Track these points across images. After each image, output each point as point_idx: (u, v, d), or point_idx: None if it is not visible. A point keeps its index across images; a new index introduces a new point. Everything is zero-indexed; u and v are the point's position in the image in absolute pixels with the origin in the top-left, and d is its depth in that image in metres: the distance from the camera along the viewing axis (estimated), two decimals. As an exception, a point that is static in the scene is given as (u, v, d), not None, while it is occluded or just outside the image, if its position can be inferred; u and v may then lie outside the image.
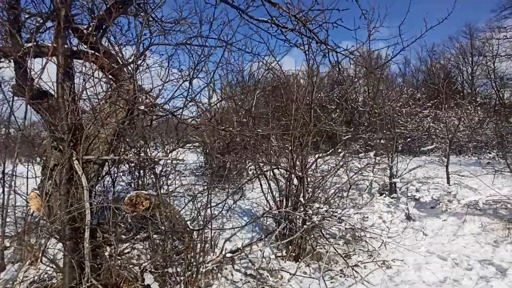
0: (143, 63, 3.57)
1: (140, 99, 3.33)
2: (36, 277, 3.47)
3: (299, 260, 4.13)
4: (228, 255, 3.37)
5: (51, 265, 3.34)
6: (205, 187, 3.89)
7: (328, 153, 4.76)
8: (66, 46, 2.89)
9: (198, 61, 3.13)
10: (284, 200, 4.46)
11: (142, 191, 3.60)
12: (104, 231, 3.58)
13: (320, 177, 4.57)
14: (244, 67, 11.51)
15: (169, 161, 3.36)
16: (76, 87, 3.15)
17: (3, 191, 3.80)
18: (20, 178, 4.17)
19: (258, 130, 4.16)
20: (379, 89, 11.65)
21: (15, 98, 3.29)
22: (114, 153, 3.37)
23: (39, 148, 3.09)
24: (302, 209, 4.12)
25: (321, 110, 13.37)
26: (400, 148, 9.74)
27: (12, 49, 2.53)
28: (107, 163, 3.69)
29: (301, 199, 4.12)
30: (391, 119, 9.15)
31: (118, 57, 3.68)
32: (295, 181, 4.43)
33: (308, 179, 4.54)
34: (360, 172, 5.78)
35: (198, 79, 3.51)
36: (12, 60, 2.84)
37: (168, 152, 3.48)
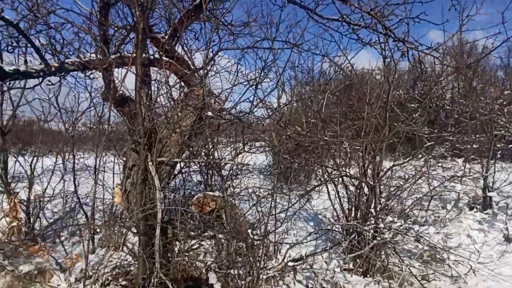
0: (212, 68, 3.69)
1: (209, 103, 3.43)
2: (118, 263, 3.89)
3: (368, 275, 3.80)
4: (290, 263, 3.26)
5: (130, 254, 3.71)
6: (270, 191, 3.83)
7: (406, 160, 4.23)
8: (144, 55, 3.12)
9: (265, 65, 3.07)
10: (353, 209, 4.15)
11: (209, 193, 3.73)
12: (174, 227, 3.81)
13: (395, 187, 4.11)
14: (314, 67, 11.15)
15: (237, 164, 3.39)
16: (153, 93, 3.41)
17: (95, 185, 4.36)
18: (109, 173, 4.74)
19: (326, 137, 3.92)
20: (472, 87, 10.06)
21: (104, 103, 3.73)
22: (184, 156, 3.56)
23: (122, 148, 3.41)
24: (372, 222, 3.77)
25: (400, 109, 12.18)
26: (499, 155, 8.25)
27: (100, 61, 2.82)
28: (178, 164, 3.93)
29: (372, 210, 3.77)
30: (489, 119, 7.82)
31: (189, 63, 3.86)
32: (366, 189, 4.08)
33: (381, 188, 4.14)
34: (446, 182, 5.05)
35: (268, 81, 3.46)
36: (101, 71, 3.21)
37: (234, 155, 3.52)
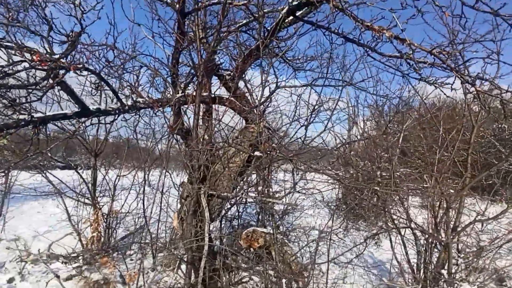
0: (270, 104, 3.76)
1: (263, 140, 3.48)
2: (172, 284, 4.09)
3: None
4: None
5: (183, 278, 3.87)
6: (322, 234, 3.60)
7: (498, 214, 3.47)
8: (205, 94, 3.37)
9: (315, 106, 2.99)
10: (423, 267, 3.59)
11: (258, 228, 3.70)
12: (226, 257, 3.86)
13: (478, 246, 3.45)
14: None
15: (284, 204, 3.31)
16: (212, 128, 3.62)
17: (160, 207, 4.74)
18: (173, 197, 5.10)
19: (384, 175, 3.56)
20: None
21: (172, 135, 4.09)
22: (236, 190, 3.64)
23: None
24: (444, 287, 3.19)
25: (501, 145, 10.34)
26: None
27: (166, 100, 3.14)
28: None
29: (444, 272, 3.20)
30: None
31: (249, 99, 4.01)
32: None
33: (459, 246, 3.51)
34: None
35: (321, 120, 3.36)
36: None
37: (286, 194, 3.44)
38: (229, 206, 4.38)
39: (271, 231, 3.65)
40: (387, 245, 5.51)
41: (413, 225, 3.43)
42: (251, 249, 3.61)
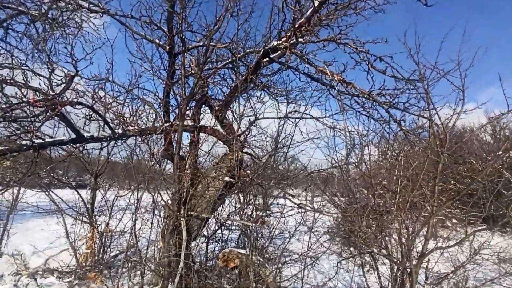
0: (249, 134, 4.13)
1: (242, 166, 3.82)
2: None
3: None
4: None
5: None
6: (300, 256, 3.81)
7: (458, 241, 3.60)
8: (190, 123, 3.77)
9: (277, 137, 3.33)
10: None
11: (235, 249, 3.94)
12: (206, 278, 4.08)
13: (439, 274, 3.59)
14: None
15: (240, 225, 3.57)
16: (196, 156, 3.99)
17: (151, 228, 5.02)
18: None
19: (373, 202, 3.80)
20: None
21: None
22: (218, 212, 3.94)
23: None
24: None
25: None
26: None
27: (156, 128, 3.55)
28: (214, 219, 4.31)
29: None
30: None
31: (233, 128, 4.39)
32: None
33: (426, 273, 3.66)
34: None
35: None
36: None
37: (259, 217, 3.71)
38: (216, 228, 4.66)
39: (248, 252, 3.88)
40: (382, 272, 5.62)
41: (376, 250, 3.62)
42: (227, 269, 3.83)
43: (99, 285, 4.33)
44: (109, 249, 5.54)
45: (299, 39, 2.71)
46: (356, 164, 4.79)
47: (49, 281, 4.78)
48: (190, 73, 4.23)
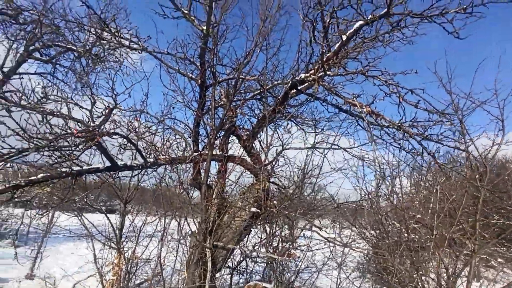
0: (276, 164, 4.12)
1: (269, 196, 3.78)
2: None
3: None
4: None
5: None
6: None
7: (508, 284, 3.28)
8: (218, 153, 3.84)
9: (305, 169, 3.28)
10: None
11: (260, 283, 3.81)
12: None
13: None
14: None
15: (266, 257, 3.46)
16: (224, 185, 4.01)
17: (176, 256, 5.01)
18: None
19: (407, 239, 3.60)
20: None
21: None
22: (243, 243, 3.87)
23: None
24: None
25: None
26: None
27: (185, 158, 3.65)
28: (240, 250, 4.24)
29: None
30: None
31: (260, 157, 4.41)
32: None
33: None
34: None
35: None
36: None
37: (285, 251, 3.61)
38: (241, 259, 4.57)
39: (274, 287, 3.74)
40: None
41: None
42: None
43: (123, 314, 4.30)
44: (134, 277, 5.56)
45: (327, 72, 2.75)
46: (387, 196, 4.60)
47: (76, 307, 4.83)
48: (219, 104, 4.38)
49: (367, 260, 7.66)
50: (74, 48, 7.30)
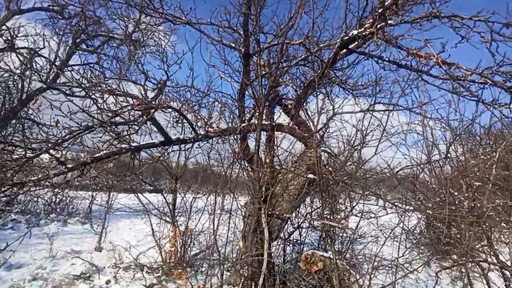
0: (327, 130, 3.96)
1: (322, 165, 3.67)
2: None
3: None
4: None
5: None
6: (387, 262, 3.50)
7: None
8: (266, 122, 3.77)
9: (368, 128, 3.08)
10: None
11: (318, 252, 3.77)
12: (285, 278, 4.00)
13: None
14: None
15: (343, 228, 3.37)
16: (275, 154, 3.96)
17: (228, 228, 5.14)
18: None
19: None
20: None
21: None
22: (295, 212, 3.83)
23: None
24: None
25: None
26: None
27: (233, 129, 3.63)
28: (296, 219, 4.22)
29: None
30: None
31: (309, 126, 4.27)
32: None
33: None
34: None
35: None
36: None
37: (342, 218, 3.51)
38: (292, 229, 4.57)
39: (331, 256, 3.69)
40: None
41: (495, 261, 3.11)
42: (309, 272, 3.69)
43: (185, 282, 4.55)
44: (189, 248, 5.84)
45: (389, 22, 2.49)
46: (451, 160, 4.26)
47: (140, 275, 5.21)
48: (263, 74, 4.25)
49: (427, 230, 7.35)
50: (116, 36, 7.52)
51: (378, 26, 2.50)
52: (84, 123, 2.68)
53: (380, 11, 2.42)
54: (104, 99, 2.92)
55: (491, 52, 2.04)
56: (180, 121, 3.39)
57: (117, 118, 3.05)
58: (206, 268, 5.60)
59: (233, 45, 3.91)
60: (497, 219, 4.84)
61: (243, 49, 3.81)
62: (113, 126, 2.81)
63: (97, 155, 3.03)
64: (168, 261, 5.40)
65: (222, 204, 5.41)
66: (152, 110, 2.77)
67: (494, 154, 4.71)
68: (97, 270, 5.02)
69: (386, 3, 2.38)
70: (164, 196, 6.10)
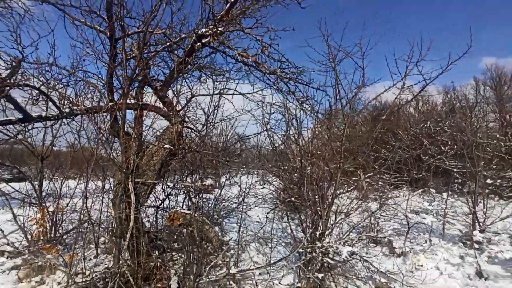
0: (188, 109, 4.71)
1: (182, 138, 4.41)
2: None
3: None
4: (233, 271, 3.90)
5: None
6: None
7: (349, 189, 4.72)
8: (132, 102, 4.24)
9: (210, 112, 3.98)
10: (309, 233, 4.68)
11: (180, 210, 4.58)
12: (155, 237, 4.67)
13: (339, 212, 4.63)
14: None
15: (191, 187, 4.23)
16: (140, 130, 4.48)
17: (102, 202, 5.43)
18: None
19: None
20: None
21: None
22: (159, 179, 4.51)
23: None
24: (319, 246, 4.28)
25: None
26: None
27: (99, 108, 3.97)
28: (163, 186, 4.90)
29: (317, 234, 4.31)
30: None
31: (174, 104, 4.93)
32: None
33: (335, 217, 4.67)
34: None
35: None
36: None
37: (195, 181, 4.37)
38: (163, 197, 5.23)
39: (191, 212, 4.54)
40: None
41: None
42: (173, 227, 4.47)
43: (55, 256, 4.68)
44: (60, 227, 5.80)
45: (219, 29, 3.33)
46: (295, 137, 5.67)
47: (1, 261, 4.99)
48: (132, 56, 4.63)
49: (279, 194, 9.13)
50: None
51: (214, 30, 3.32)
52: None
53: (212, 19, 3.23)
54: None
55: (271, 57, 3.22)
56: (41, 99, 3.51)
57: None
58: (81, 245, 5.75)
59: (98, 27, 4.15)
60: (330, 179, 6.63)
61: (108, 33, 4.11)
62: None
63: None
64: (35, 241, 5.29)
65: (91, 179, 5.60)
66: (7, 88, 2.88)
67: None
68: None
69: (217, 16, 3.20)
70: (28, 178, 5.80)
